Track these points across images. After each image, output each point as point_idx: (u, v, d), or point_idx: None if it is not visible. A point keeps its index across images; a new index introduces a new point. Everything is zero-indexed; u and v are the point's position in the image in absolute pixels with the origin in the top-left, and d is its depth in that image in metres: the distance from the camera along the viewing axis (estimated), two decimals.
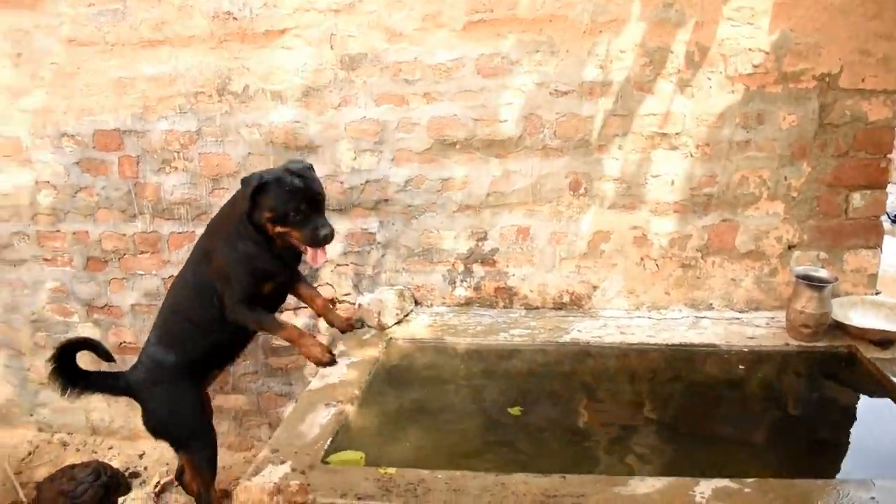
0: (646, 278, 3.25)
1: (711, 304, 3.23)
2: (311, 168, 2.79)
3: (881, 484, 2.02)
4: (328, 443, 2.36)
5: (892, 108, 2.97)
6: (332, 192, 3.37)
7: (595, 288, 3.30)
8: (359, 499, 2.06)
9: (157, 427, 2.99)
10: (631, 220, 3.20)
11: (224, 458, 3.93)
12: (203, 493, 3.04)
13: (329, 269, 3.51)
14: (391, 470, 2.17)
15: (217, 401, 3.91)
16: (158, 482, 3.70)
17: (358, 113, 3.29)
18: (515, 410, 2.62)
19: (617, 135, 3.12)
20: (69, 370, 2.89)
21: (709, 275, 3.20)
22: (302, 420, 2.50)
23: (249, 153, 3.44)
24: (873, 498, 1.95)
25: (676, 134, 3.09)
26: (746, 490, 2.00)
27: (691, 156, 3.11)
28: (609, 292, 3.29)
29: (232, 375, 3.84)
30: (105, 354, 3.03)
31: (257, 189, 2.66)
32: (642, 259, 3.23)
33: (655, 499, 1.98)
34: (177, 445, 3.04)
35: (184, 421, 2.99)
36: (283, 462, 2.26)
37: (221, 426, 3.96)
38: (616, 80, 3.08)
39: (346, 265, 3.49)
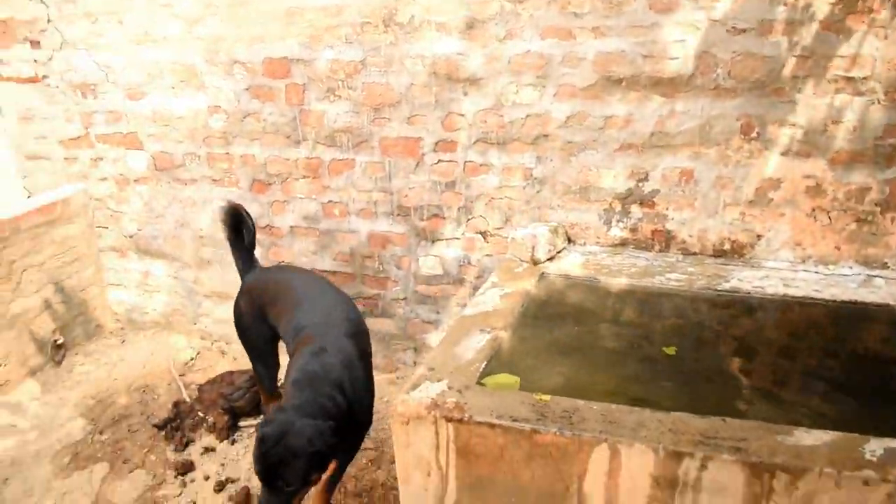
0: (816, 231, 3.08)
1: (886, 263, 3.03)
2: (304, 454, 2.28)
3: None
4: (483, 366, 2.42)
5: None
6: (491, 125, 3.39)
7: (759, 237, 3.16)
8: (514, 421, 2.11)
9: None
10: (805, 168, 3.03)
11: None
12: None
13: (483, 203, 3.54)
14: (546, 397, 2.21)
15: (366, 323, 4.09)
16: None
17: (522, 46, 3.25)
18: (670, 350, 2.58)
19: (797, 77, 2.94)
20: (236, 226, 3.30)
21: (886, 231, 2.99)
22: (457, 343, 2.57)
23: (412, 84, 3.49)
24: None
25: (864, 78, 2.87)
26: None
27: (878, 102, 2.88)
28: (774, 243, 3.15)
29: (382, 300, 3.99)
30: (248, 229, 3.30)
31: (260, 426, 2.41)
32: (813, 210, 3.06)
33: (822, 452, 1.91)
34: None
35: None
36: (439, 380, 2.34)
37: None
38: (801, 18, 2.89)
39: (501, 199, 3.51)
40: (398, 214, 3.75)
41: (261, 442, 2.28)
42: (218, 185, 4.15)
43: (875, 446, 1.92)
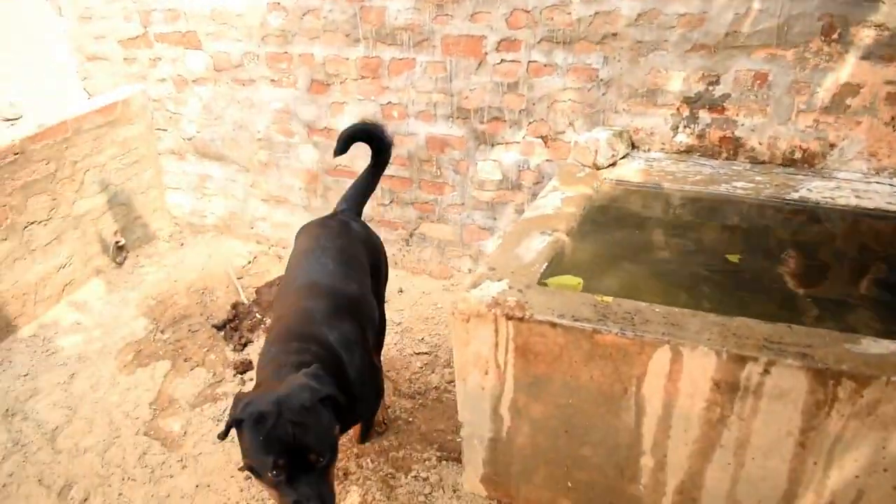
0: (893, 141, 2.93)
1: None
2: (315, 406, 1.96)
3: None
4: (543, 267, 2.40)
5: None
6: (558, 23, 3.26)
7: (832, 146, 3.03)
8: (575, 320, 2.11)
9: None
10: (888, 73, 2.85)
11: (425, 284, 4.16)
12: None
13: (545, 106, 3.45)
14: (608, 298, 2.20)
15: (422, 229, 4.10)
16: None
17: None
18: (734, 257, 2.54)
19: None
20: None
21: None
22: (518, 244, 2.55)
23: None
24: None
25: None
26: None
27: None
28: (847, 152, 3.01)
29: (438, 205, 3.97)
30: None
31: (235, 424, 1.97)
32: (893, 119, 2.91)
33: (891, 361, 1.87)
34: None
35: None
36: (500, 280, 2.34)
37: (424, 253, 4.16)
38: None
39: (564, 102, 3.41)
40: (458, 117, 3.69)
41: (259, 422, 1.90)
42: (276, 85, 4.13)
43: None
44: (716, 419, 2.05)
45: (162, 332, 3.84)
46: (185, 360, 3.60)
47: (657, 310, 2.12)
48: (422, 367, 3.44)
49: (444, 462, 2.87)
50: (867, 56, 2.87)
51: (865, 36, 2.84)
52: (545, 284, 2.34)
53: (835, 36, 2.88)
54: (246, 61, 4.14)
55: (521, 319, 2.17)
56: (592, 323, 2.08)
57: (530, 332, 2.17)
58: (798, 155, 3.10)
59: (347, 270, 2.58)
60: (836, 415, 1.90)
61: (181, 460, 2.99)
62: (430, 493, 2.74)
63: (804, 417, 1.94)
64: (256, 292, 4.17)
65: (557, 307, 2.17)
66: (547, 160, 3.55)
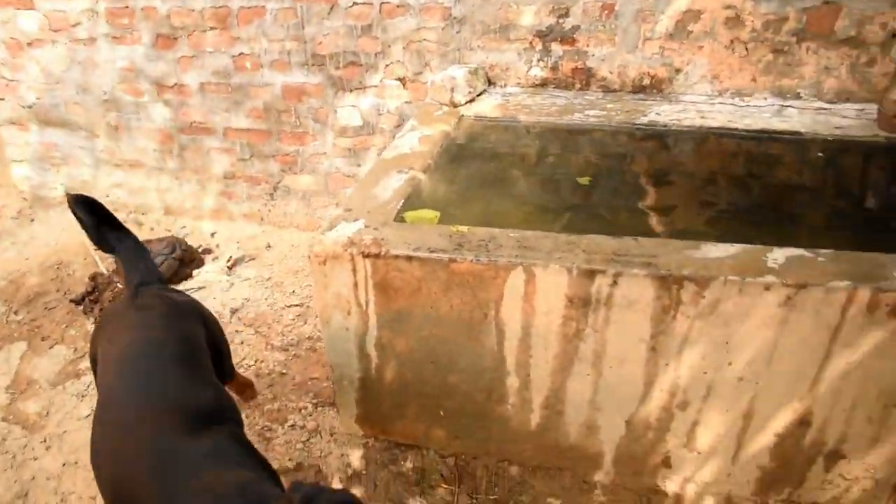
0: (733, 63, 3.06)
1: (799, 94, 3.06)
2: None
3: None
4: (400, 204, 2.38)
5: None
6: None
7: (678, 71, 3.13)
8: (431, 252, 2.10)
9: None
10: None
11: (293, 237, 4.08)
12: None
13: (400, 47, 3.40)
14: (463, 228, 2.20)
15: (285, 181, 4.00)
16: (230, 257, 3.85)
17: None
18: (584, 180, 2.60)
19: None
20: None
21: (801, 62, 3.00)
22: (375, 184, 2.52)
23: None
24: None
25: None
26: (820, 259, 1.97)
27: None
28: (692, 76, 3.13)
29: (301, 156, 3.88)
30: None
31: None
32: (732, 42, 3.03)
33: (728, 263, 1.96)
34: None
35: None
36: (356, 220, 2.30)
37: (290, 206, 4.07)
38: None
39: (419, 42, 3.37)
40: (313, 64, 3.59)
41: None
42: (119, 42, 3.89)
43: (777, 255, 1.98)
44: (572, 334, 2.11)
45: (15, 312, 3.60)
46: (43, 339, 3.40)
47: (511, 234, 2.14)
48: (294, 319, 3.39)
49: (320, 408, 2.85)
50: None
51: None
52: (403, 220, 2.32)
53: None
54: (84, 19, 3.87)
55: (377, 256, 2.14)
56: (448, 253, 2.09)
57: (388, 267, 2.15)
58: (647, 81, 3.19)
59: (198, 372, 1.93)
60: (681, 317, 1.99)
61: (44, 441, 2.83)
62: (307, 440, 2.72)
63: (653, 323, 2.02)
64: (116, 261, 3.97)
65: (413, 241, 2.15)
66: (406, 102, 3.52)
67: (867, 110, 2.93)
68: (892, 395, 2.05)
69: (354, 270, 2.20)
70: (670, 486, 2.40)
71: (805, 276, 1.90)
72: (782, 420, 2.15)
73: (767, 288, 1.89)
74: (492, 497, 2.45)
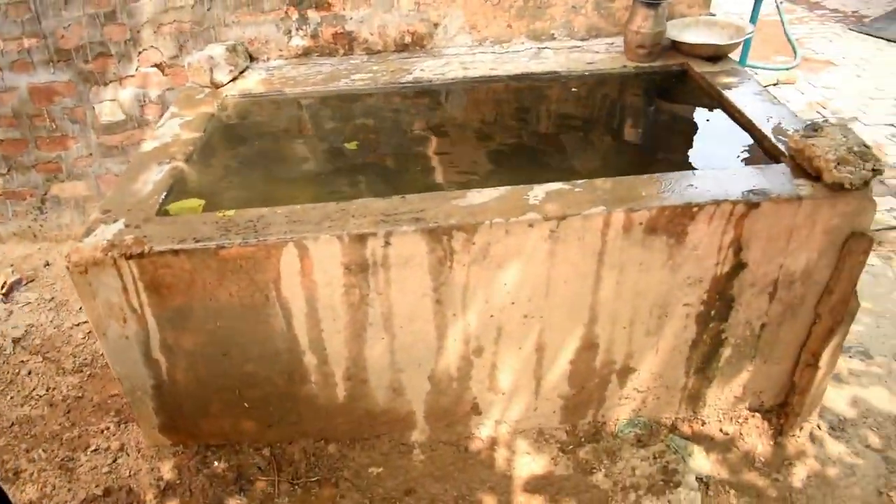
0: (487, 12, 3.13)
1: (553, 35, 3.19)
2: None
3: (700, 173, 2.14)
4: (163, 197, 2.25)
5: None
6: None
7: (436, 25, 3.17)
8: (197, 242, 2.00)
9: None
10: None
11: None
12: None
13: (151, 31, 3.19)
14: (230, 212, 2.11)
15: (53, 191, 3.69)
16: (4, 282, 3.52)
17: None
18: (352, 145, 2.58)
19: None
20: None
21: (549, 3, 3.12)
22: (134, 180, 2.36)
23: None
24: (692, 184, 2.07)
25: None
26: (577, 190, 2.07)
27: None
28: (451, 29, 3.17)
29: (65, 161, 3.58)
30: None
31: None
32: None
33: (492, 206, 2.02)
34: None
35: None
36: (115, 220, 2.15)
37: (63, 217, 3.76)
38: None
39: (169, 24, 3.18)
40: (59, 60, 3.30)
41: None
42: None
43: (537, 192, 2.06)
44: (358, 300, 2.09)
45: None
46: None
47: (279, 211, 2.08)
48: (84, 337, 3.16)
49: (123, 426, 2.69)
50: None
51: None
52: (168, 214, 2.19)
53: None
54: None
55: (141, 255, 2.01)
56: (215, 240, 2.00)
57: (155, 265, 2.03)
58: (408, 39, 3.20)
59: None
60: (458, 266, 2.03)
61: None
62: (114, 462, 2.56)
63: (432, 276, 2.05)
64: None
65: (177, 234, 2.04)
66: (168, 89, 3.33)
67: (616, 44, 3.11)
68: (663, 307, 2.21)
69: (120, 274, 2.06)
70: (484, 430, 2.47)
71: (563, 208, 1.99)
72: (571, 347, 2.27)
73: (531, 225, 1.97)
74: (313, 479, 2.42)
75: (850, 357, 2.84)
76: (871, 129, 4.84)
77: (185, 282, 2.06)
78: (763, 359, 2.37)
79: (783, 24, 6.59)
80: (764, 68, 5.70)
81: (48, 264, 3.68)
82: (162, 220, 2.14)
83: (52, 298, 3.44)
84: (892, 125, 4.88)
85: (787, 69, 5.73)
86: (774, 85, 5.54)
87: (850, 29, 6.80)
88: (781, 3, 6.43)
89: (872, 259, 3.44)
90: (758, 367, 2.39)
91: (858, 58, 6.09)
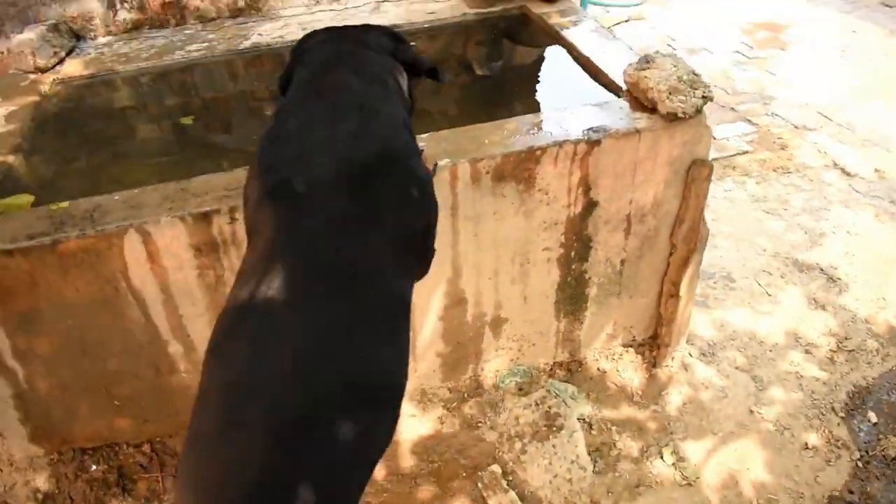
0: None
1: None
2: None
3: (542, 116, 2.18)
4: None
5: None
6: None
7: None
8: (31, 238, 1.89)
9: None
10: None
11: None
12: None
13: None
14: (63, 204, 2.00)
15: None
16: None
17: None
18: (188, 119, 2.49)
19: None
20: None
21: None
22: None
23: None
24: (534, 128, 2.11)
25: None
26: (421, 144, 2.06)
27: None
28: None
29: None
30: None
31: None
32: None
33: None
34: None
35: None
36: None
37: None
38: None
39: None
40: None
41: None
42: None
43: None
44: (214, 281, 2.04)
45: None
46: None
47: (117, 197, 1.99)
48: None
49: None
50: None
51: None
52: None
53: None
54: None
55: None
56: (50, 235, 1.89)
57: None
58: (242, 3, 3.08)
59: None
60: None
61: None
62: None
63: None
64: None
65: (8, 232, 1.91)
66: None
67: None
68: (523, 254, 2.25)
69: None
70: None
71: None
72: (440, 305, 2.29)
73: None
74: None
75: (715, 283, 3.00)
76: (718, 57, 5.07)
77: (27, 283, 1.94)
78: (629, 294, 2.47)
79: None
80: (613, 6, 5.85)
81: None
82: None
83: None
84: (738, 52, 5.12)
85: (637, 5, 5.90)
86: (626, 21, 5.69)
87: None
88: None
89: (728, 184, 3.64)
90: (624, 302, 2.49)
91: None
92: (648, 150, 2.14)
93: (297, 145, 1.35)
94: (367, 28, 1.70)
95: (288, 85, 1.59)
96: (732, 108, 4.35)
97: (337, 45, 1.61)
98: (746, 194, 3.57)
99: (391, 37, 1.70)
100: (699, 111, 2.12)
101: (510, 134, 2.08)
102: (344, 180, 1.29)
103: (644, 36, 5.46)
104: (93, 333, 2.09)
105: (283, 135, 1.39)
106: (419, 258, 1.48)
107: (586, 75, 2.48)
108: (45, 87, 2.70)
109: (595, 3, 5.63)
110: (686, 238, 2.35)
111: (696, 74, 2.15)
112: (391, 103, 1.49)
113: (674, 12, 5.89)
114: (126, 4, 3.00)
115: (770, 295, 2.93)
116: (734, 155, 3.90)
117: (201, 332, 2.14)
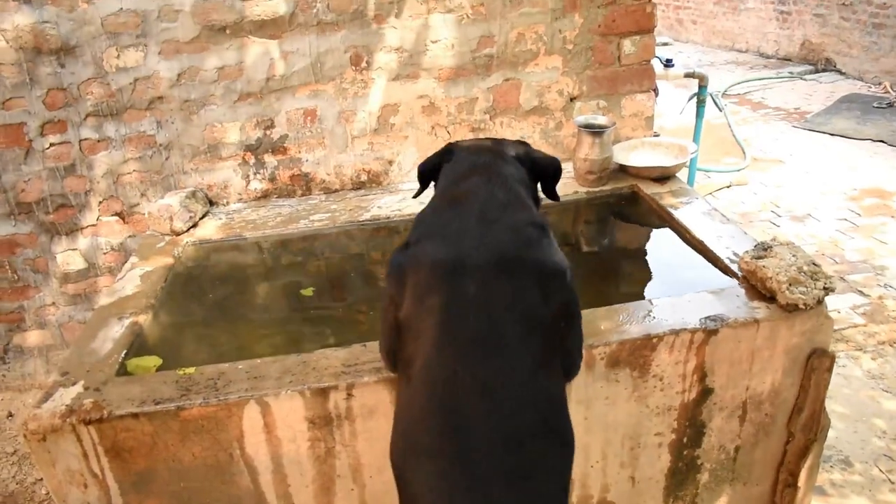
0: (438, 146, 3.22)
1: None
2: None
3: (657, 302, 2.17)
4: (122, 356, 2.23)
5: None
6: (98, 95, 3.08)
7: (391, 163, 3.26)
8: (157, 403, 1.97)
9: None
10: (416, 89, 3.15)
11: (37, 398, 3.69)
12: None
13: (110, 182, 3.24)
14: (190, 370, 2.09)
15: (16, 340, 3.63)
16: None
17: (112, 5, 2.97)
18: (308, 291, 2.59)
19: (392, 2, 3.02)
20: None
21: (498, 135, 3.24)
22: (93, 338, 2.34)
23: None
24: (649, 314, 2.10)
25: None
26: None
27: (467, 17, 3.07)
28: (405, 165, 3.27)
29: (27, 311, 3.54)
30: None
31: None
32: (433, 128, 3.22)
33: None
34: None
35: None
36: (74, 383, 2.11)
37: (27, 366, 3.69)
38: None
39: (129, 174, 3.24)
40: (20, 213, 3.31)
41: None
42: None
43: None
44: (324, 453, 2.05)
45: None
46: None
47: (240, 367, 2.07)
48: (48, 494, 3.05)
49: None
50: (396, 77, 3.13)
51: (389, 60, 3.10)
52: (128, 373, 2.17)
53: (363, 64, 3.09)
54: None
55: (101, 420, 1.97)
56: (175, 401, 1.96)
57: (115, 430, 1.98)
58: (364, 177, 3.29)
59: None
60: None
61: None
62: None
63: None
64: None
65: (137, 395, 2.01)
66: (130, 236, 3.35)
67: (566, 170, 3.19)
68: (634, 438, 2.19)
69: (80, 440, 2.00)
70: None
71: None
72: None
73: None
74: None
75: (831, 467, 2.83)
76: (823, 224, 4.99)
77: (147, 445, 2.01)
78: (742, 481, 2.35)
79: (730, 127, 6.90)
80: (716, 171, 5.92)
81: (11, 415, 3.59)
82: (122, 380, 2.11)
83: (15, 452, 3.33)
84: (845, 219, 5.03)
85: (739, 171, 5.96)
86: (728, 187, 5.73)
87: (794, 126, 7.10)
88: (725, 106, 6.76)
89: (841, 359, 3.48)
90: (737, 490, 2.36)
91: (805, 154, 6.34)
92: (766, 338, 2.09)
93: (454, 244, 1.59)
94: (502, 141, 2.01)
95: (426, 171, 2.04)
96: (842, 278, 4.23)
97: (477, 157, 1.88)
98: (862, 371, 3.41)
99: (522, 144, 2.00)
100: (820, 302, 2.08)
101: (625, 320, 2.08)
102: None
103: (747, 202, 5.45)
104: (202, 497, 2.12)
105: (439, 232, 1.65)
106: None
107: (699, 258, 2.48)
108: (178, 250, 2.90)
109: (704, 171, 5.71)
110: (805, 427, 2.24)
111: (816, 265, 2.12)
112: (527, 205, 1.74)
113: (775, 177, 5.88)
114: (258, 175, 3.25)
115: (893, 483, 2.73)
116: (846, 328, 3.76)
117: (306, 501, 2.14)
